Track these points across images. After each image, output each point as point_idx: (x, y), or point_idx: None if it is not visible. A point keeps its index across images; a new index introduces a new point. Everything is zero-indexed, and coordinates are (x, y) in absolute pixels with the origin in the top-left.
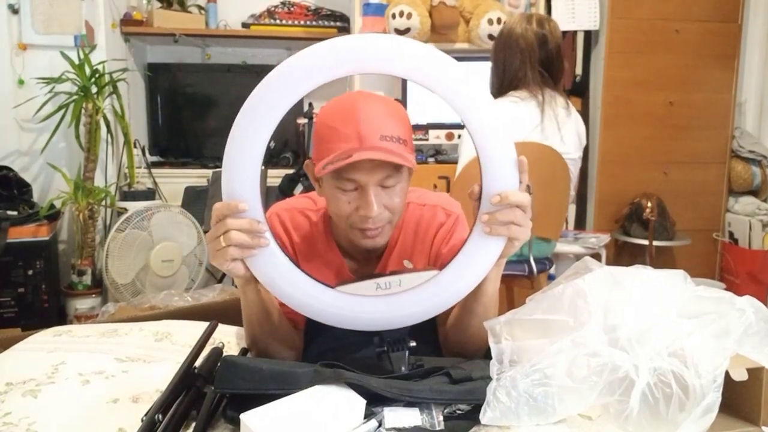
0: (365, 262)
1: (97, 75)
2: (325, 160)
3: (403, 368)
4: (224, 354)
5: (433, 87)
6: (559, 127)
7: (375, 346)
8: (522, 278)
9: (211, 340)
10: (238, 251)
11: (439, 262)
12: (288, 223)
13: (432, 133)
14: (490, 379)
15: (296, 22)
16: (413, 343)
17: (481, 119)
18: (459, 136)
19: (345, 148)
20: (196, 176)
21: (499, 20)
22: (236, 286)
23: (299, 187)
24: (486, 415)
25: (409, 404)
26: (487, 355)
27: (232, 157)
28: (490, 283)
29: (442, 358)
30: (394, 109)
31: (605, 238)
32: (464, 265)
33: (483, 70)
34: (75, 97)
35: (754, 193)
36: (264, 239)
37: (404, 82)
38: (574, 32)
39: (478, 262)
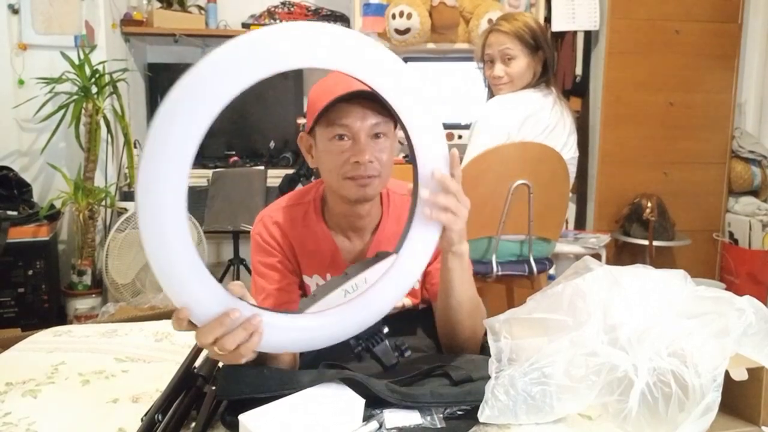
0: (357, 242)
1: (97, 75)
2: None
3: (393, 360)
4: None
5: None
6: (564, 125)
7: (351, 348)
8: (522, 278)
9: None
10: (246, 349)
11: None
12: (282, 223)
13: None
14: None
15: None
16: (386, 329)
17: (398, 88)
18: (460, 136)
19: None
20: (196, 176)
21: None
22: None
23: (299, 188)
24: (484, 414)
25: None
26: (483, 352)
27: (144, 206)
28: (454, 273)
29: (440, 355)
30: None
31: (605, 238)
32: (412, 250)
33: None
34: (75, 97)
35: (754, 193)
36: (255, 320)
37: None
38: (574, 32)
39: (422, 247)
